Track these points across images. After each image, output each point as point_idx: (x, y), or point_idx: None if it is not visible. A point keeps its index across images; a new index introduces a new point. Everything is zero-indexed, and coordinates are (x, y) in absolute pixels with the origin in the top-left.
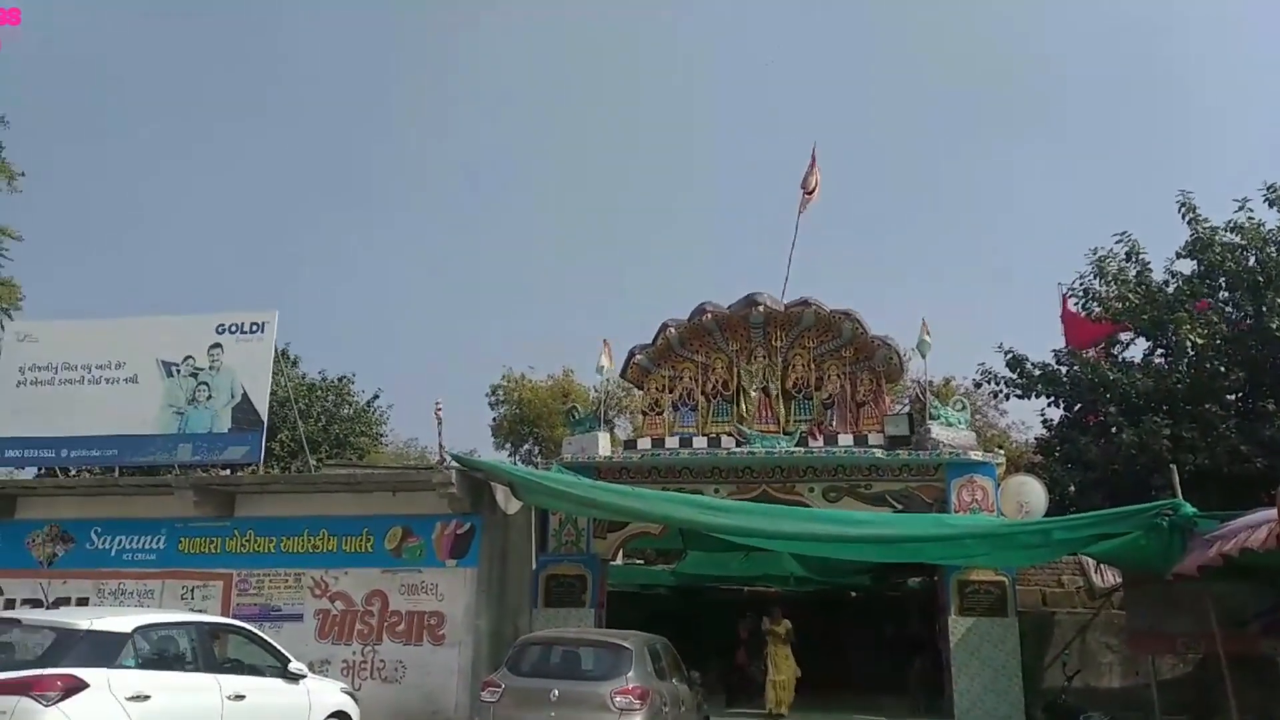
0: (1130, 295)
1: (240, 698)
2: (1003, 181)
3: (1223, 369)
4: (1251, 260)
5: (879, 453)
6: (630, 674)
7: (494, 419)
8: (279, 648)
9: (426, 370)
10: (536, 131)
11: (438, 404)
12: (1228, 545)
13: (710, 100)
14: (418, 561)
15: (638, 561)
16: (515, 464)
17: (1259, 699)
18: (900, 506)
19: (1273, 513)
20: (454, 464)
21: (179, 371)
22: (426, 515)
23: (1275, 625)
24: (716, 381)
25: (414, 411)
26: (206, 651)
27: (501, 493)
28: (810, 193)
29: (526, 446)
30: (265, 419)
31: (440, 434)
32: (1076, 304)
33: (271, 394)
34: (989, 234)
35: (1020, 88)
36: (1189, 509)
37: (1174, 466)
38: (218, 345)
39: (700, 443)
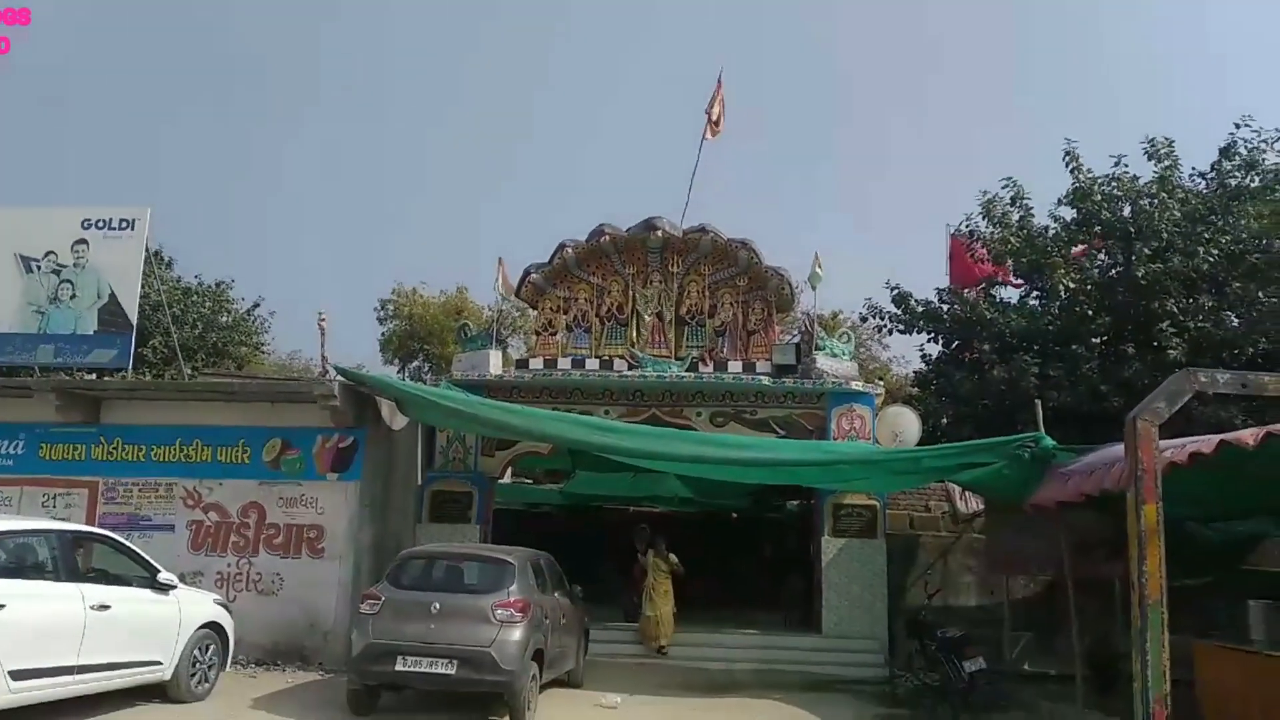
0: (1012, 239)
1: (104, 607)
2: (924, 122)
3: (1090, 313)
4: (1126, 210)
5: (766, 380)
6: (513, 587)
7: (383, 334)
8: (148, 558)
9: (314, 281)
10: (445, 34)
11: (321, 315)
12: (1086, 483)
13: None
14: (297, 474)
15: (526, 481)
16: (404, 380)
17: (1099, 617)
18: (783, 432)
19: (1121, 449)
20: (337, 377)
21: (39, 268)
22: (307, 428)
23: (1117, 552)
24: (611, 304)
25: (299, 324)
26: (68, 560)
27: (387, 408)
28: (715, 122)
29: (416, 363)
30: (135, 322)
31: (323, 345)
32: (963, 244)
33: (143, 297)
34: (902, 173)
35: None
36: (1049, 442)
37: (1039, 402)
38: (83, 241)
39: (593, 364)
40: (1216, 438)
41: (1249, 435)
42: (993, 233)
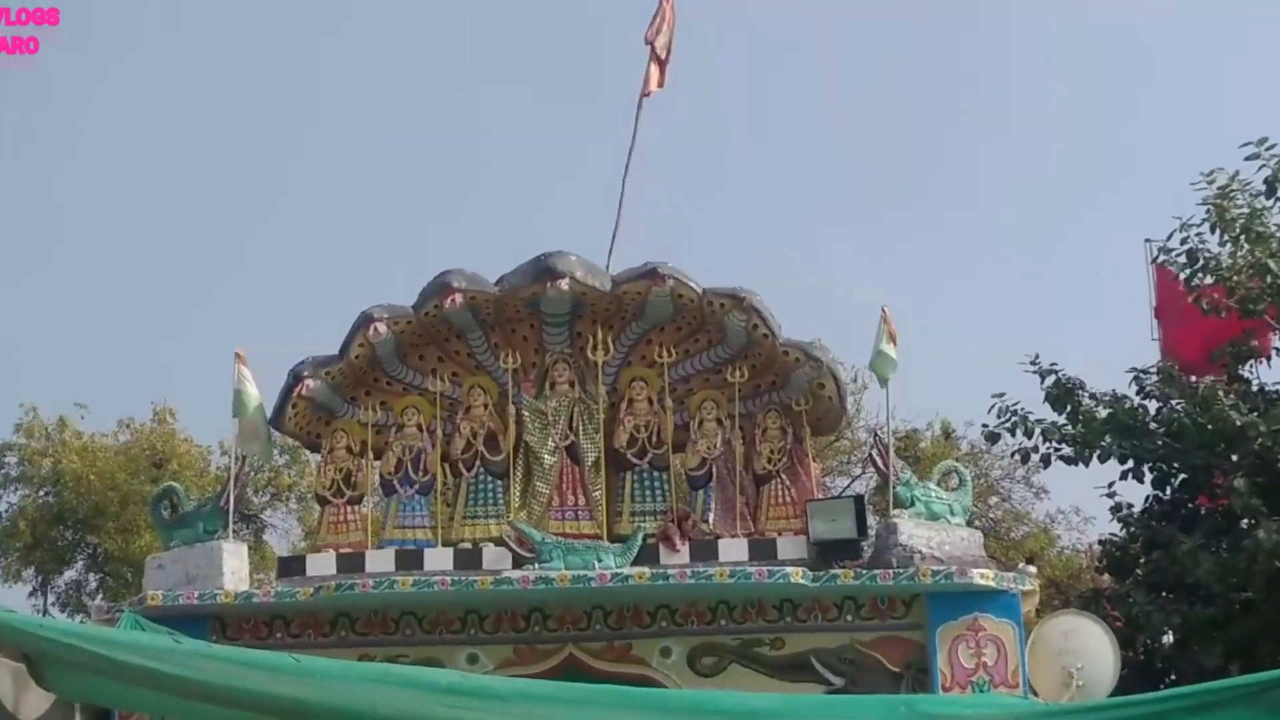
0: (1272, 262)
1: None
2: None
3: None
4: None
5: (798, 575)
6: None
7: (2, 514)
8: None
9: None
10: None
11: None
12: None
13: None
14: None
15: None
16: (39, 613)
17: None
18: (840, 681)
19: None
20: None
21: None
22: None
23: None
24: (472, 432)
25: None
26: None
27: (8, 675)
28: (662, 62)
29: (72, 573)
30: None
31: None
32: (1176, 277)
33: None
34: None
35: None
36: None
37: None
38: None
39: (440, 558)
40: None
41: None
42: (1235, 253)
